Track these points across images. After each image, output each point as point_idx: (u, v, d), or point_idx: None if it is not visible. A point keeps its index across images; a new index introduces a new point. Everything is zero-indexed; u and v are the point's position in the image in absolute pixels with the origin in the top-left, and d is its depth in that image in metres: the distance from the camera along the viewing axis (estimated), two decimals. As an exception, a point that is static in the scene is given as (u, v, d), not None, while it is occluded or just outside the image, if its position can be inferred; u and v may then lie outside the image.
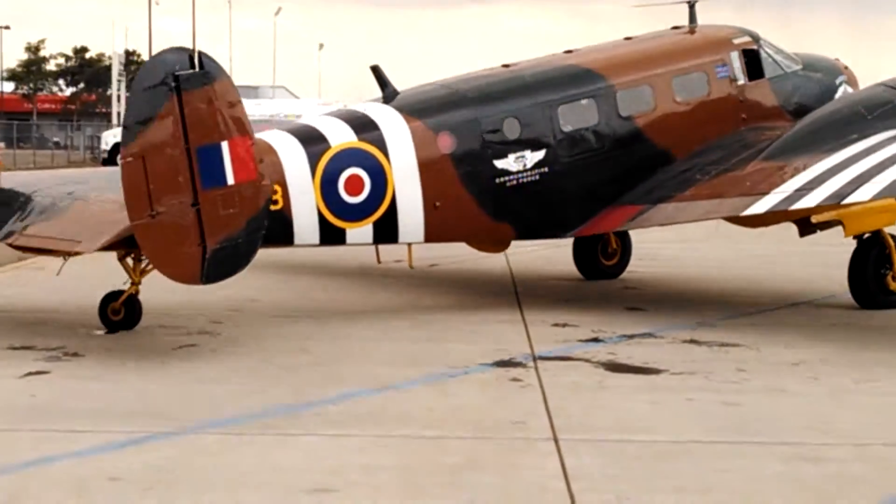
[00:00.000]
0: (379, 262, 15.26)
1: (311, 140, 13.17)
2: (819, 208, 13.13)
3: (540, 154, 14.18)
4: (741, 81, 15.69)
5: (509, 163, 13.99)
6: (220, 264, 10.76)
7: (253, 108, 56.85)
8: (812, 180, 13.00)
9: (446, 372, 10.70)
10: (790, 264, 18.74)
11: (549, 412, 9.21)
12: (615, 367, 10.94)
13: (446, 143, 13.79)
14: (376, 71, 14.54)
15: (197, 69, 10.66)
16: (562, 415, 9.11)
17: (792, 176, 13.29)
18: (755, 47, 16.01)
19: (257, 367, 10.92)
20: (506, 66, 15.24)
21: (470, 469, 7.77)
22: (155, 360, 11.13)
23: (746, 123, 15.48)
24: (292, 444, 8.30)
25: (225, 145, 10.54)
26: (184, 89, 10.60)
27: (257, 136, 12.48)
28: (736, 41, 15.97)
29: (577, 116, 14.54)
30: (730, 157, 14.59)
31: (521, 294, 15.50)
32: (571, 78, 14.83)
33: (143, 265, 12.20)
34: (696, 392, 9.94)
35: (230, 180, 10.57)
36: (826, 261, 18.55)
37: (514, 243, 14.79)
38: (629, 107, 14.84)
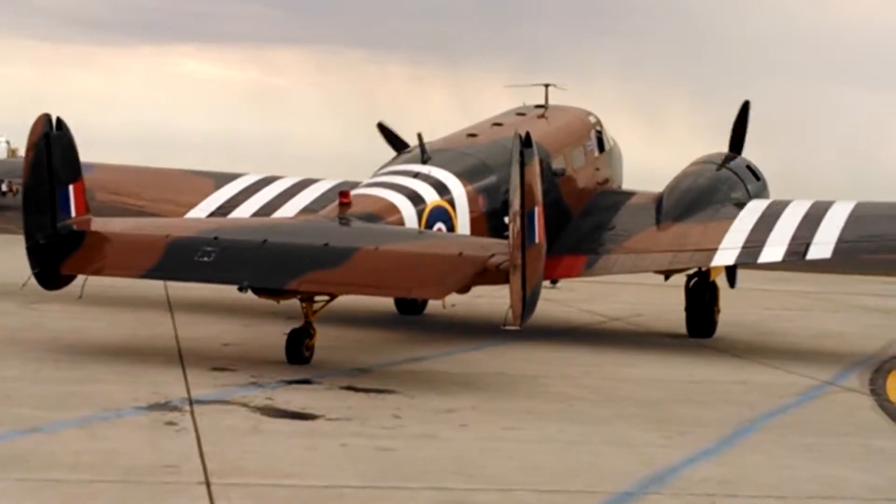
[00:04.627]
0: (445, 306, 16.28)
1: (416, 199, 15.29)
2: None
3: None
4: (596, 154, 19.16)
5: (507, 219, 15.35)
6: (530, 307, 12.57)
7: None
8: (749, 239, 16.58)
9: (98, 415, 10.44)
10: (456, 314, 19.30)
11: (202, 456, 9.12)
12: (272, 412, 10.95)
13: (484, 204, 16.25)
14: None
15: (524, 149, 12.68)
16: (215, 459, 9.04)
17: (722, 234, 16.79)
18: (600, 127, 19.46)
19: None
20: (471, 135, 17.66)
21: (117, 514, 7.60)
22: None
23: (599, 188, 18.99)
24: (-72, 489, 7.91)
25: (537, 210, 12.62)
26: (525, 164, 12.68)
27: (366, 192, 15.19)
28: (592, 121, 19.47)
29: None
30: (622, 217, 17.98)
31: (181, 339, 15.30)
32: None
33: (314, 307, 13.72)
34: (350, 437, 10.06)
35: (537, 240, 12.59)
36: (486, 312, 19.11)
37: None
38: (554, 170, 17.74)
